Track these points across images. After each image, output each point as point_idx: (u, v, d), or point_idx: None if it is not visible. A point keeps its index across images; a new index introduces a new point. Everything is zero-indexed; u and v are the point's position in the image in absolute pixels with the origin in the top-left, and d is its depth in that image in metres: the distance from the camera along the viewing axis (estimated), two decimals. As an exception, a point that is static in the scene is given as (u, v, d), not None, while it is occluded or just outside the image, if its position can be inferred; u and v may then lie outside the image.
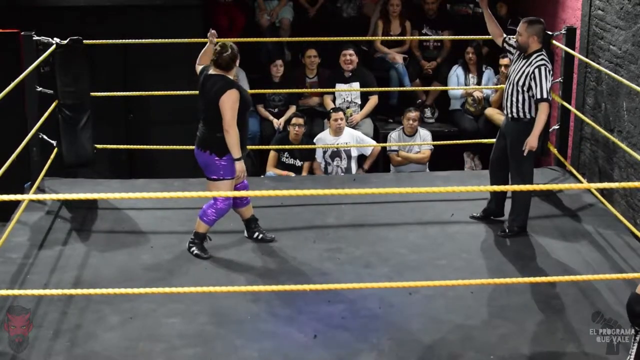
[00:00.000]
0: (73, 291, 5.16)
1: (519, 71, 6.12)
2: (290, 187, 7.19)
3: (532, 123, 6.09)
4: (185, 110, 8.80)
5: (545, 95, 5.99)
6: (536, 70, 6.02)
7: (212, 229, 6.44)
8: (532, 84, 6.02)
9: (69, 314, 5.20)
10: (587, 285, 5.50)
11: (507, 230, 6.29)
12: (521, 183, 6.10)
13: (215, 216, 5.92)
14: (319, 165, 8.24)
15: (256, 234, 6.22)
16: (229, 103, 5.66)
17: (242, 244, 6.20)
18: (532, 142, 6.02)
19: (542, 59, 6.06)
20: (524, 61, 6.12)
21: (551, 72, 6.09)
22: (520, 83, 6.09)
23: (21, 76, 6.15)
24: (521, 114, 6.15)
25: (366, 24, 9.64)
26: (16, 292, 5.20)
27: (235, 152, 5.71)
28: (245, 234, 6.26)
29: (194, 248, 5.99)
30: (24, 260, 5.88)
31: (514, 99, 6.14)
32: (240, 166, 5.76)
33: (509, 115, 6.22)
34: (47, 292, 5.09)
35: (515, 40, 6.24)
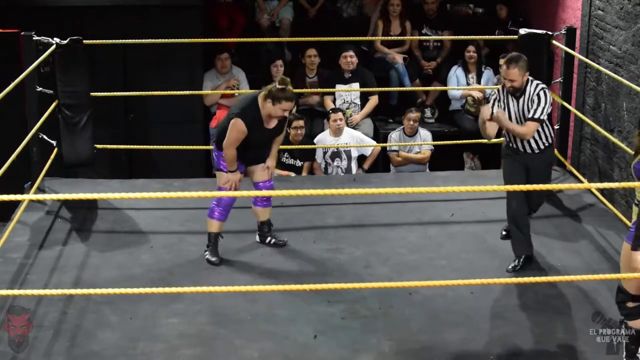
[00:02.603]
0: (73, 291, 5.16)
1: (522, 109, 5.74)
2: (290, 187, 7.19)
3: (552, 145, 5.93)
4: (185, 110, 8.81)
5: (537, 116, 5.66)
6: (541, 93, 5.69)
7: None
8: (533, 105, 5.69)
9: (69, 314, 5.20)
10: (587, 285, 5.50)
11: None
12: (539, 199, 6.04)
13: (220, 208, 5.87)
14: (319, 166, 8.24)
15: (268, 238, 6.17)
16: (231, 129, 5.64)
17: (242, 244, 6.20)
18: (507, 126, 5.73)
19: (537, 84, 5.75)
20: (522, 98, 5.74)
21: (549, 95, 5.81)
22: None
23: (21, 76, 6.14)
24: (541, 145, 5.84)
25: (366, 24, 9.64)
26: (16, 292, 5.20)
27: (229, 166, 5.74)
28: (257, 238, 6.21)
29: (206, 252, 5.95)
30: (24, 260, 5.88)
31: (533, 136, 5.79)
32: (230, 176, 5.75)
33: (530, 151, 5.84)
34: (47, 292, 5.09)
35: (505, 88, 5.78)
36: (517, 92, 5.76)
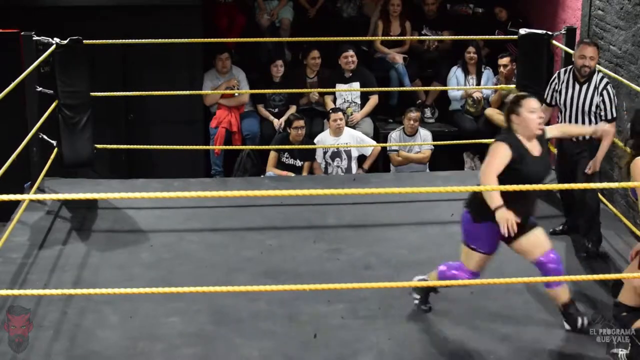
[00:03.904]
0: (72, 291, 5.16)
1: (584, 98, 5.82)
2: (290, 187, 7.19)
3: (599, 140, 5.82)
4: (185, 110, 8.81)
5: (614, 115, 5.80)
6: (609, 87, 5.80)
7: (212, 226, 6.45)
8: (601, 105, 5.78)
9: (69, 313, 5.20)
10: (587, 285, 5.50)
11: (589, 251, 5.91)
12: (592, 199, 5.93)
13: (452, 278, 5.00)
14: (319, 166, 8.24)
15: (579, 320, 4.96)
16: (491, 154, 4.73)
17: (242, 244, 6.20)
18: (596, 165, 5.80)
19: (603, 76, 5.85)
20: (586, 85, 5.82)
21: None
22: (593, 110, 5.81)
23: (21, 76, 6.14)
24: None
25: (366, 24, 9.64)
26: (16, 292, 5.19)
27: (493, 201, 4.63)
28: (565, 325, 5.04)
29: (416, 297, 5.23)
30: (24, 260, 5.88)
31: (586, 125, 5.86)
32: (503, 214, 4.60)
33: (580, 139, 5.86)
34: (47, 292, 5.09)
35: (583, 65, 5.78)
36: (585, 77, 5.78)
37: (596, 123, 5.81)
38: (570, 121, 5.88)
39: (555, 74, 6.05)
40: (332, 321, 5.18)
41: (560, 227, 6.29)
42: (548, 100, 6.07)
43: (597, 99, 5.80)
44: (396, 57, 9.24)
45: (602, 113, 5.79)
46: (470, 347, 4.95)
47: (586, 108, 5.82)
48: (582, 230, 6.02)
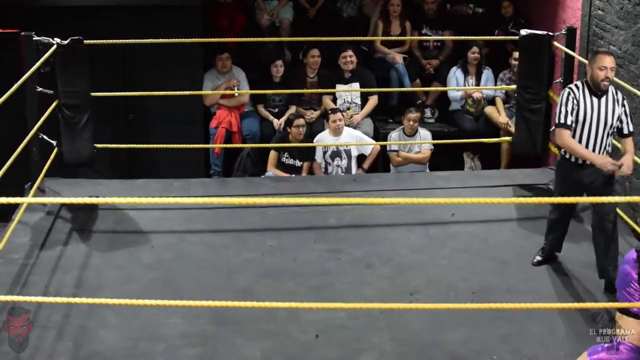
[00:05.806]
0: (72, 300, 5.07)
1: (605, 111, 5.43)
2: (290, 187, 7.19)
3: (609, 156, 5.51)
4: (185, 110, 8.81)
5: (633, 129, 5.52)
6: (625, 102, 5.48)
7: (211, 228, 6.45)
8: (623, 117, 5.46)
9: (71, 315, 5.20)
10: (587, 285, 5.52)
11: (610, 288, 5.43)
12: (614, 228, 5.54)
13: None
14: (319, 165, 8.23)
15: None
16: None
17: (242, 245, 6.20)
18: (628, 171, 5.34)
19: (617, 89, 5.52)
20: (604, 98, 5.45)
21: None
22: (614, 124, 5.45)
23: (24, 77, 6.14)
24: (606, 153, 5.55)
25: (366, 24, 9.64)
26: (14, 297, 5.16)
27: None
28: None
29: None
30: (25, 260, 5.88)
31: (607, 142, 5.48)
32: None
33: (590, 162, 5.47)
34: (46, 299, 5.07)
35: (604, 79, 5.37)
36: (604, 89, 5.41)
37: (611, 137, 5.49)
38: (588, 137, 5.44)
39: (567, 92, 5.52)
40: (334, 321, 5.19)
41: (540, 258, 5.92)
42: (569, 123, 5.46)
43: (619, 110, 5.44)
44: (396, 57, 9.23)
45: (624, 125, 5.47)
46: (471, 347, 4.96)
47: (608, 122, 5.43)
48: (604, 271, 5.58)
